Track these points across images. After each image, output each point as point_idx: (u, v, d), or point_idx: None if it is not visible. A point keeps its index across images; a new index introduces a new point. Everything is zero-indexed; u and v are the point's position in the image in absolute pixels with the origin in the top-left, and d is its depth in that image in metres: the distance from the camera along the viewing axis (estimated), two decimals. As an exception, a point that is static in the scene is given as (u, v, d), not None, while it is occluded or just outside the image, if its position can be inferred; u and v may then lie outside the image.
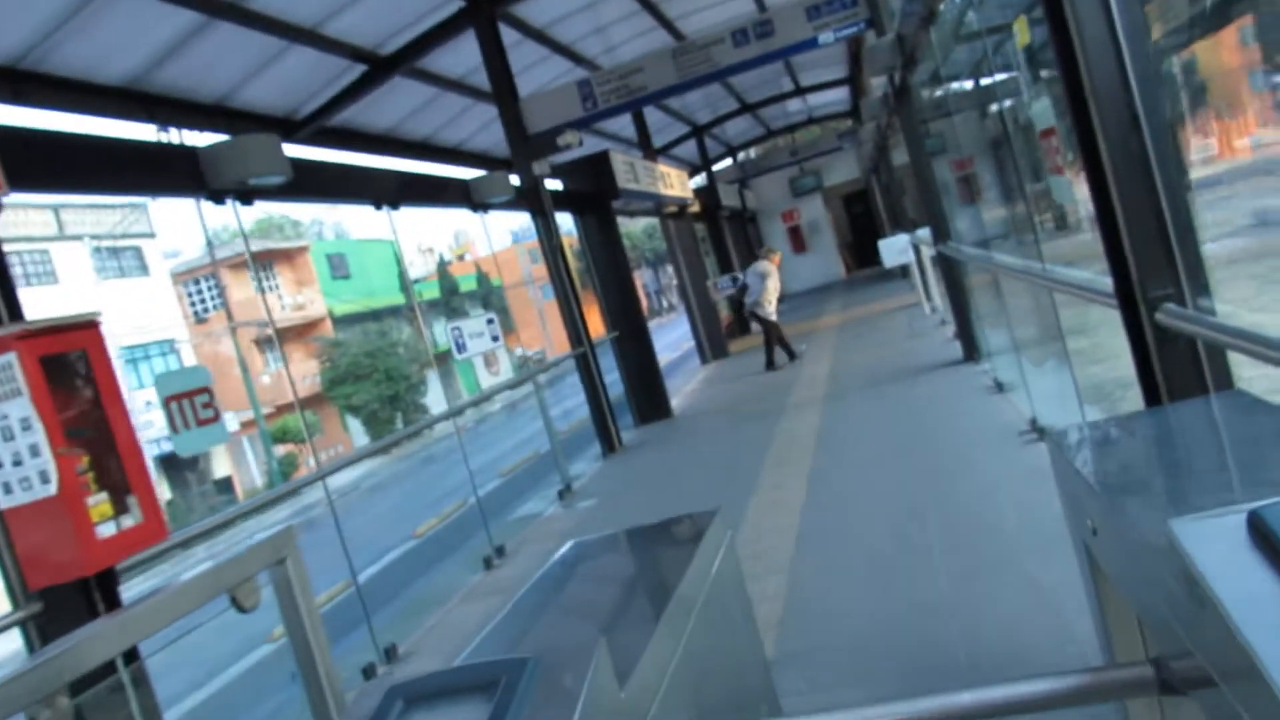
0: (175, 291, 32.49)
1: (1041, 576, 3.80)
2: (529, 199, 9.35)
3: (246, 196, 4.92)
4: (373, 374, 34.29)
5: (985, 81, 6.02)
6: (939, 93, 7.87)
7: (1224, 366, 2.41)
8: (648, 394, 11.14)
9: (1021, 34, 4.25)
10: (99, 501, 3.14)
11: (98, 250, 28.38)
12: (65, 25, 5.76)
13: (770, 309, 12.45)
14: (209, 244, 31.28)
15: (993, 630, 3.47)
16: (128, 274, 29.68)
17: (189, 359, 31.02)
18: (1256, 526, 0.92)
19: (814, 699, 3.29)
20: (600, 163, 11.07)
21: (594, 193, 11.08)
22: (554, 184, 10.40)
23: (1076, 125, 2.57)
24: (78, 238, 27.76)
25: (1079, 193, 4.03)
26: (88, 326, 3.25)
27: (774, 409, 9.35)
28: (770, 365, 12.49)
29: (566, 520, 7.46)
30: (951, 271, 8.90)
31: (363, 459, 5.72)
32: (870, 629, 3.79)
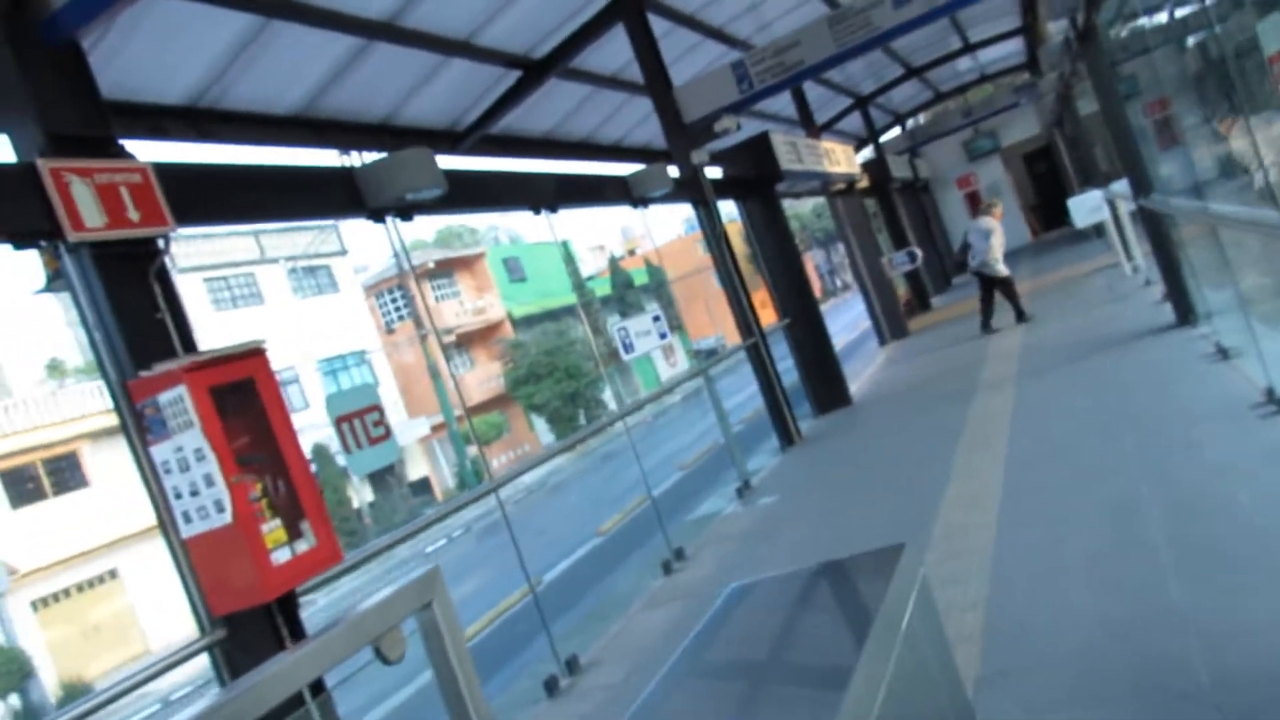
0: (368, 304, 34.47)
1: (1298, 578, 3.25)
2: (689, 189, 9.14)
3: (405, 212, 4.96)
4: (553, 373, 35.16)
5: (1184, 10, 5.32)
6: (1127, 31, 7.09)
7: None
8: (825, 381, 10.72)
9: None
10: (273, 529, 3.17)
11: (293, 270, 30.44)
12: (236, 61, 6.03)
13: (1000, 266, 11.92)
14: (396, 256, 32.92)
15: (1240, 642, 2.98)
16: (323, 291, 31.72)
17: (381, 367, 32.84)
18: None
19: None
20: (760, 145, 10.71)
21: (756, 177, 10.75)
22: (714, 171, 10.15)
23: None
24: (275, 260, 29.89)
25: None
26: (254, 354, 3.29)
27: (963, 390, 8.75)
28: (1021, 316, 11.87)
29: (746, 520, 7.22)
30: (1156, 226, 8.03)
31: (532, 469, 5.70)
32: (1091, 641, 3.35)
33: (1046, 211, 25.46)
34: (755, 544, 6.42)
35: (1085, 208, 12.59)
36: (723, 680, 1.48)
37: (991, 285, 12.09)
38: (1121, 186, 9.74)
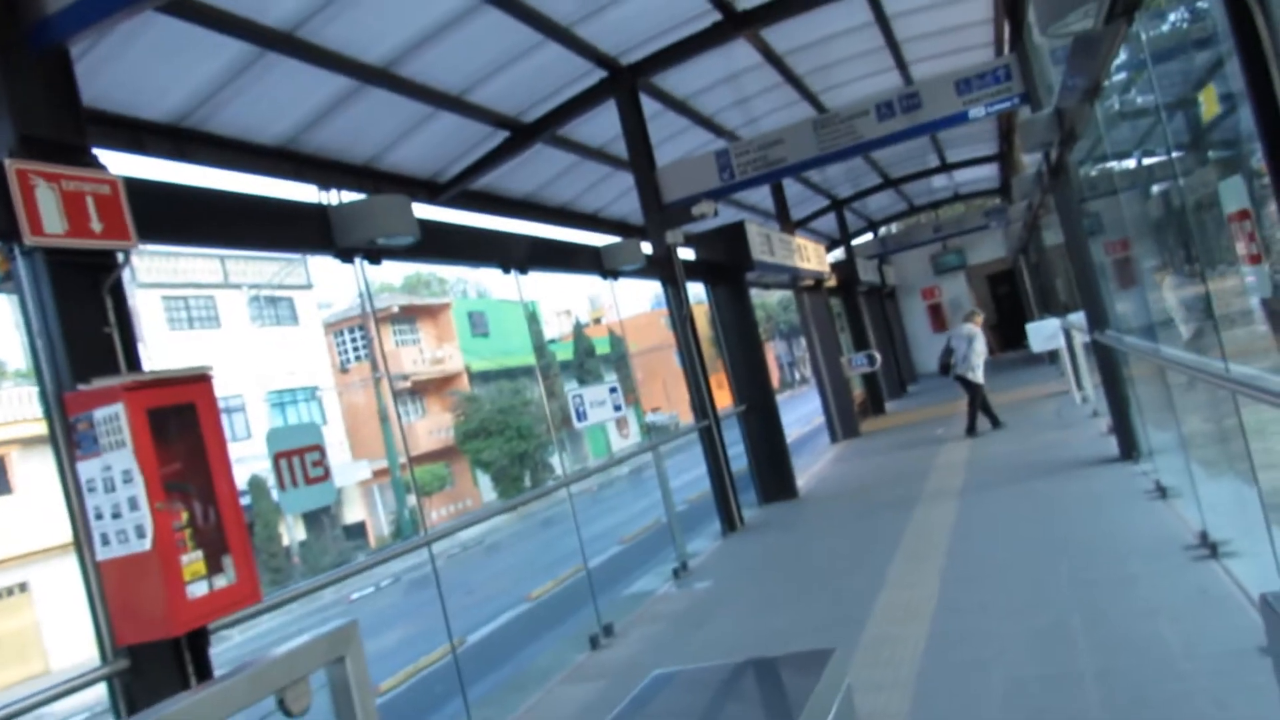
0: (326, 341, 34.06)
1: (1217, 725, 3.27)
2: (661, 268, 9.24)
3: (374, 256, 4.95)
4: (504, 430, 34.86)
5: (1153, 160, 5.54)
6: (1095, 171, 7.37)
7: None
8: (773, 472, 10.73)
9: (1208, 105, 3.84)
10: (193, 560, 3.07)
11: (255, 299, 30.10)
12: (226, 87, 6.04)
13: (979, 373, 12.22)
14: (361, 298, 32.71)
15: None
16: (282, 322, 31.35)
17: (331, 405, 32.32)
18: None
19: None
20: (735, 233, 10.90)
21: (727, 263, 10.91)
22: (687, 253, 10.28)
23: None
24: (238, 286, 29.55)
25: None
26: (198, 380, 3.22)
27: (907, 498, 8.81)
28: (971, 430, 12.19)
29: (679, 602, 7.14)
30: (1108, 360, 8.24)
31: (469, 526, 5.63)
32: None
33: (1006, 332, 26.07)
34: (685, 628, 6.33)
35: (1042, 334, 12.94)
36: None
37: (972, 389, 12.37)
38: (1078, 318, 10.03)
